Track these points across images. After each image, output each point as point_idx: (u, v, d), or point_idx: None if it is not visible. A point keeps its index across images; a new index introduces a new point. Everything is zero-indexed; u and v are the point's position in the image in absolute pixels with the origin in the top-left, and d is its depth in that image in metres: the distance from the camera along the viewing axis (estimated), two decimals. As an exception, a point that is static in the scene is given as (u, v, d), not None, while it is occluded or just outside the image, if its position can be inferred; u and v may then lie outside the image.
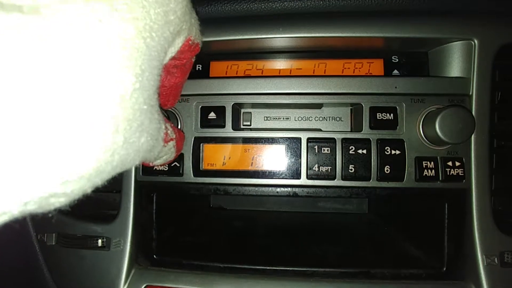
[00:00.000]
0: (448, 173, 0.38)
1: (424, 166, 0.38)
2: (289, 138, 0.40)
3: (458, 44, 0.39)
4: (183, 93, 0.41)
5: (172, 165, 0.41)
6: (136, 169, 0.42)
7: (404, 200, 0.46)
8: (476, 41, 0.38)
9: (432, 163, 0.38)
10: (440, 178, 0.38)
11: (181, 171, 0.41)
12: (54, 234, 0.44)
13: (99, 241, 0.42)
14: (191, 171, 0.41)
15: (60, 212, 0.43)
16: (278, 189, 0.40)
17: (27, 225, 0.46)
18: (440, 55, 0.41)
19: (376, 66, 0.43)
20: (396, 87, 0.39)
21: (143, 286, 0.40)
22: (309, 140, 0.39)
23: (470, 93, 0.38)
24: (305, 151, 0.39)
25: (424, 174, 0.38)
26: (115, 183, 0.43)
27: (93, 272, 0.42)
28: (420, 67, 0.42)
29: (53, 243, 0.43)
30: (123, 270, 0.41)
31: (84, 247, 0.42)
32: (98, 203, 0.45)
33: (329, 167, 0.38)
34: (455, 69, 0.40)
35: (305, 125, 0.41)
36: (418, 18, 0.39)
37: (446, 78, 0.40)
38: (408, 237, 0.46)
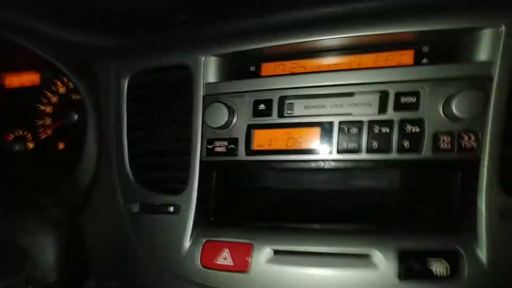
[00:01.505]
0: (462, 146, 0.43)
1: (441, 140, 0.44)
2: (323, 122, 0.49)
3: (486, 31, 0.44)
4: (239, 90, 0.53)
5: (229, 147, 0.52)
6: (201, 150, 0.53)
7: (422, 172, 0.51)
8: (504, 28, 0.43)
9: (448, 137, 0.44)
10: (456, 150, 0.43)
11: (236, 152, 0.52)
12: (138, 204, 0.56)
13: (171, 208, 0.53)
14: (244, 152, 0.51)
15: (142, 186, 0.56)
16: (313, 164, 0.49)
17: (118, 196, 0.59)
18: (468, 42, 0.45)
19: (407, 56, 0.49)
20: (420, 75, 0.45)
21: (204, 241, 0.49)
22: (340, 123, 0.48)
23: (493, 75, 0.43)
24: (337, 132, 0.48)
25: (440, 147, 0.44)
26: (184, 163, 0.55)
27: (166, 232, 0.53)
28: (448, 54, 0.47)
29: (137, 210, 0.56)
30: (188, 230, 0.51)
31: (160, 212, 0.53)
32: (170, 180, 0.56)
33: (356, 144, 0.46)
34: (481, 54, 0.44)
35: (338, 111, 0.49)
36: (448, 10, 0.44)
37: (467, 63, 0.45)
38: (421, 196, 0.51)
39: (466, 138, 0.44)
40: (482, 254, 0.40)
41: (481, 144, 0.43)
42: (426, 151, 0.44)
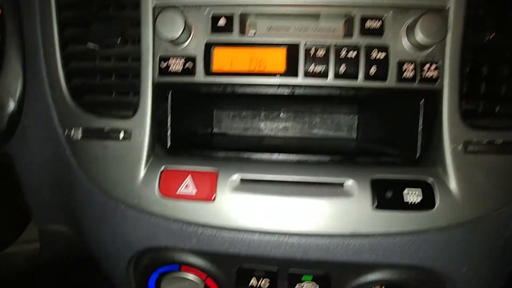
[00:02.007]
0: (424, 75, 0.44)
1: (404, 69, 0.44)
2: (288, 43, 0.45)
3: None
4: (196, 2, 0.46)
5: (186, 66, 0.46)
6: (153, 70, 0.47)
7: (385, 102, 0.52)
8: None
9: (411, 65, 0.44)
10: (418, 79, 0.44)
11: (193, 72, 0.46)
12: (80, 129, 0.49)
13: (121, 133, 0.48)
14: (202, 72, 0.46)
15: (84, 110, 0.49)
16: (278, 89, 0.46)
17: (54, 122, 0.52)
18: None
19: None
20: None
21: (161, 169, 0.46)
22: (306, 45, 0.45)
23: (448, 6, 0.44)
24: (303, 54, 0.45)
25: (403, 76, 0.44)
26: (134, 86, 0.49)
27: (116, 160, 0.48)
28: None
29: (79, 137, 0.49)
30: (143, 157, 0.47)
31: (107, 138, 0.48)
32: (118, 104, 0.50)
33: (323, 67, 0.44)
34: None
35: (303, 34, 0.46)
36: None
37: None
38: (387, 133, 0.53)
39: (428, 66, 0.44)
40: (451, 184, 0.43)
41: (442, 74, 0.44)
42: (390, 79, 0.44)
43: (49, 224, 0.60)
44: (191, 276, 0.48)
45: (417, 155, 0.46)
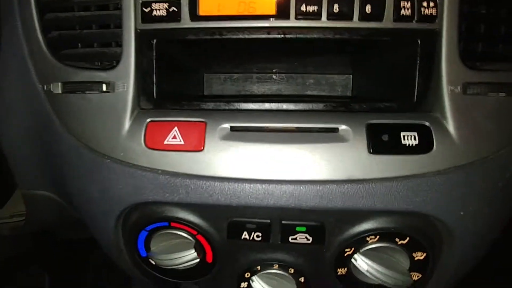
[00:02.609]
0: (422, 13, 0.42)
1: (401, 6, 0.41)
2: None
3: None
4: None
5: (170, 10, 0.44)
6: (136, 17, 0.44)
7: (381, 50, 0.50)
8: None
9: (408, 3, 0.41)
10: (415, 18, 0.42)
11: (178, 17, 0.44)
12: (60, 83, 0.47)
13: (103, 85, 0.45)
14: (188, 17, 0.44)
15: (63, 63, 0.47)
16: (269, 33, 0.44)
17: (32, 78, 0.49)
18: None
19: None
20: None
21: (147, 121, 0.44)
22: (297, -17, 0.42)
23: None
24: (294, -7, 0.42)
25: (401, 14, 0.41)
26: (116, 36, 0.46)
27: (100, 113, 0.46)
28: None
29: (60, 92, 0.47)
30: (127, 110, 0.45)
31: (90, 91, 0.45)
32: (100, 55, 0.48)
33: (316, 7, 0.42)
34: None
35: None
36: None
37: None
38: (383, 83, 0.51)
39: (426, 4, 0.42)
40: (449, 127, 0.41)
41: (441, 13, 0.42)
42: (387, 19, 0.42)
43: (34, 189, 0.58)
44: (181, 232, 0.47)
45: (414, 100, 0.44)
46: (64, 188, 0.52)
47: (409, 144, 0.40)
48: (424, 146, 0.40)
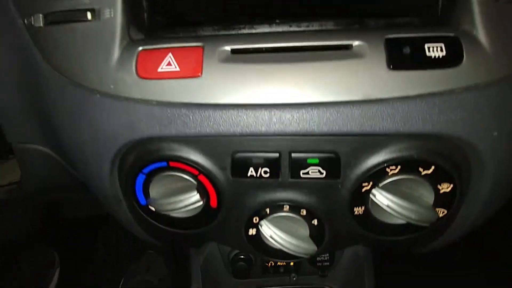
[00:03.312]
0: None
1: None
2: None
3: None
4: None
5: None
6: None
7: None
8: None
9: None
10: None
11: None
12: (40, 15, 0.42)
13: (88, 13, 0.41)
14: None
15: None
16: None
17: (11, 11, 0.44)
18: None
19: None
20: None
21: (138, 50, 0.40)
22: None
23: None
24: None
25: None
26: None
27: (86, 44, 0.41)
28: None
29: (42, 24, 0.42)
30: (116, 38, 0.40)
31: (73, 20, 0.41)
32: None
33: None
34: None
35: None
36: None
37: None
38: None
39: None
40: (481, 38, 0.36)
41: None
42: None
43: (24, 142, 0.54)
44: (181, 174, 0.43)
45: (439, 14, 0.39)
46: (55, 136, 0.48)
47: (434, 57, 0.35)
48: (452, 58, 0.35)
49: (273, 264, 0.87)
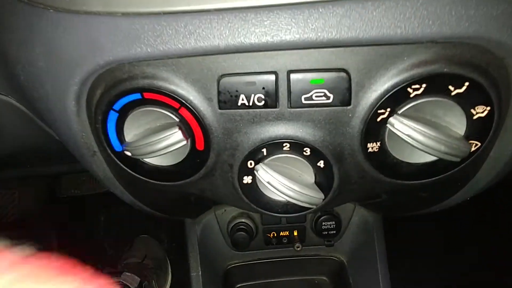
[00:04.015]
0: None
1: None
2: None
3: None
4: None
5: None
6: None
7: None
8: None
9: None
10: None
11: None
12: None
13: None
14: None
15: None
16: None
17: None
18: None
19: None
20: None
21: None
22: None
23: None
24: None
25: None
26: None
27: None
28: None
29: None
30: None
31: None
32: None
33: None
34: None
35: None
36: None
37: None
38: None
39: None
40: None
41: None
42: None
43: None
44: (159, 109, 0.36)
45: None
46: (12, 75, 0.41)
47: None
48: None
49: (275, 234, 0.81)
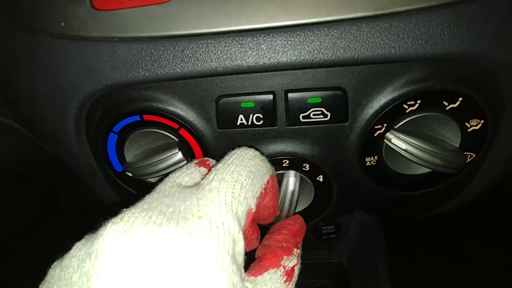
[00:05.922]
0: None
1: None
2: None
3: None
4: None
5: None
6: None
7: None
8: None
9: None
10: None
11: None
12: None
13: None
14: None
15: None
16: None
17: None
18: None
19: None
20: None
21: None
22: None
23: None
24: None
25: None
26: None
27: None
28: None
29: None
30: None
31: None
32: None
33: None
34: None
35: None
36: None
37: None
38: None
39: None
40: None
41: None
42: None
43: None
44: (159, 130, 0.36)
45: None
46: (12, 99, 0.41)
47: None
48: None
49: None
